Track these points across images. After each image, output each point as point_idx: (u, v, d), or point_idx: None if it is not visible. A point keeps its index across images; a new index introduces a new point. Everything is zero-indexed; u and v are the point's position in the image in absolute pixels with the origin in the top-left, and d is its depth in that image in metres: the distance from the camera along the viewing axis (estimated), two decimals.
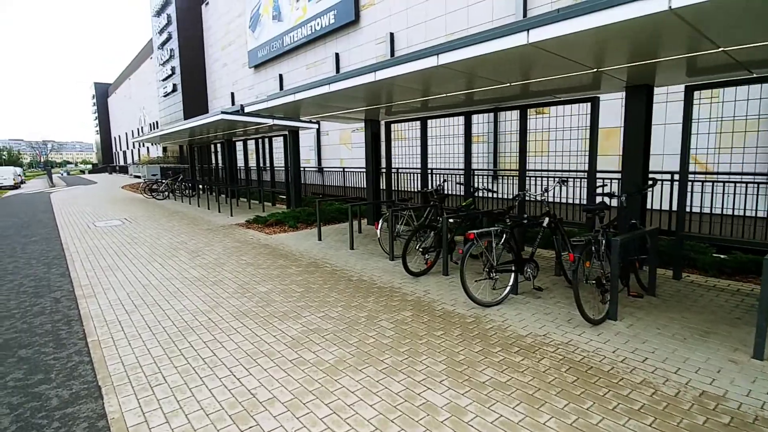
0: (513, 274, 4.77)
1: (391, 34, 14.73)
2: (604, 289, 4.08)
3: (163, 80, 35.30)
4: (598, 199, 5.28)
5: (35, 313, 4.93)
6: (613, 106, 8.45)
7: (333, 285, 5.54)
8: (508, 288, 4.74)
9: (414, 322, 4.26)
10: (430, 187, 8.64)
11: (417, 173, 10.69)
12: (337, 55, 17.33)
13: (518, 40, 3.86)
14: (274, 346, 3.81)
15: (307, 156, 19.19)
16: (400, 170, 10.68)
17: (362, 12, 15.97)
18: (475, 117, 8.71)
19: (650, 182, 4.95)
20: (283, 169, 15.22)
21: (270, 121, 10.66)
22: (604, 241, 4.13)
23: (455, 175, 9.21)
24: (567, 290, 5.05)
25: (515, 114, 10.67)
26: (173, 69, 33.13)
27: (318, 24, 18.00)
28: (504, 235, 4.65)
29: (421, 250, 5.72)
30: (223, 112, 10.01)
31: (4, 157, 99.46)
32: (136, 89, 51.86)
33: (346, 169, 14.71)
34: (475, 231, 4.47)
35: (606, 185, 6.21)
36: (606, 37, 3.68)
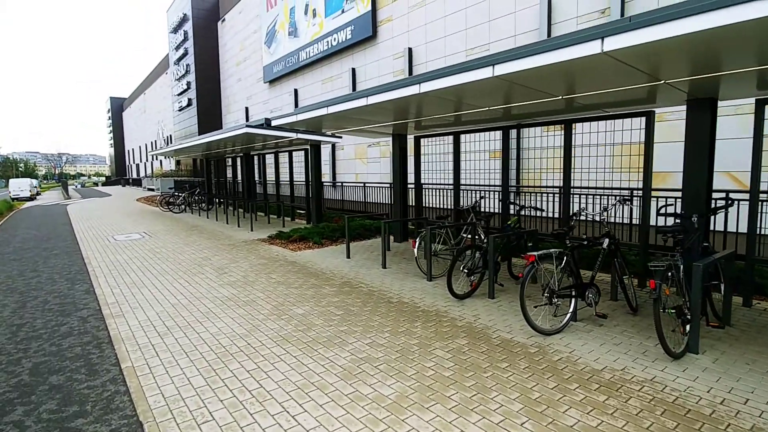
0: (573, 300, 4.42)
1: (410, 49, 14.64)
2: (685, 319, 3.72)
3: (179, 95, 35.62)
4: (669, 220, 4.94)
5: (63, 333, 4.65)
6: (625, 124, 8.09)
7: (373, 307, 5.22)
8: (568, 315, 4.39)
9: (472, 352, 3.92)
10: (464, 204, 8.34)
11: (446, 189, 10.42)
12: (353, 70, 17.29)
13: (591, 48, 3.59)
14: (325, 378, 3.49)
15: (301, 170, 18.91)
16: (429, 186, 10.39)
17: (380, 27, 15.94)
18: (496, 133, 8.47)
19: (728, 202, 4.60)
20: (302, 183, 15.06)
21: (294, 135, 10.48)
22: (681, 267, 3.78)
23: (489, 191, 8.92)
24: (631, 318, 4.68)
25: (537, 130, 10.48)
26: (188, 84, 33.44)
27: (334, 39, 18.03)
28: (564, 258, 4.32)
29: (466, 271, 5.39)
30: (248, 126, 9.85)
31: (20, 168, 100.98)
32: (151, 103, 52.50)
33: (366, 184, 14.47)
34: (535, 253, 4.15)
35: (671, 205, 5.85)
36: (686, 46, 3.38)
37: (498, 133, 9.30)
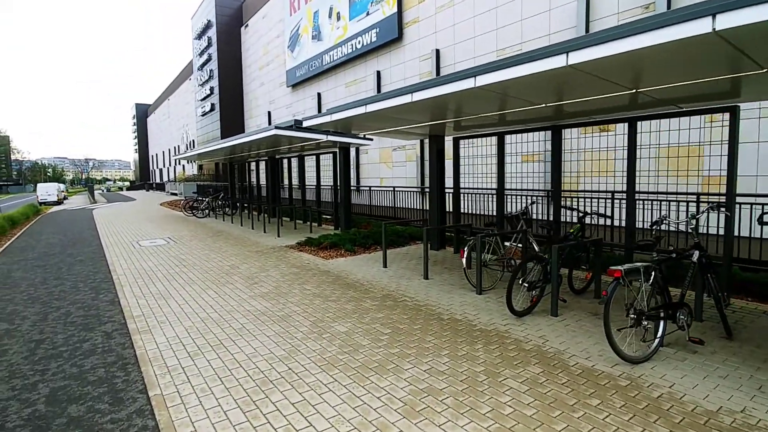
0: (662, 322, 3.81)
1: (437, 51, 14.14)
2: None
3: (202, 100, 35.82)
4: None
5: (85, 352, 4.24)
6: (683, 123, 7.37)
7: (424, 325, 4.68)
8: (657, 339, 3.77)
9: (551, 383, 3.35)
10: (511, 210, 7.75)
11: (482, 194, 9.85)
12: (378, 73, 16.87)
13: (701, 27, 3.00)
14: (385, 416, 2.96)
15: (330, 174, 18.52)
16: (467, 191, 9.82)
17: (406, 29, 15.50)
18: (529, 135, 7.88)
19: None
20: (328, 188, 14.65)
21: (323, 137, 10.05)
22: None
23: (523, 196, 8.30)
24: (728, 343, 4.02)
25: (574, 132, 9.79)
26: (212, 89, 33.57)
27: (359, 42, 17.66)
28: (653, 273, 3.71)
29: (526, 285, 4.81)
30: (277, 127, 9.45)
31: (49, 173, 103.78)
32: (174, 109, 53.17)
33: (396, 189, 13.97)
34: (621, 267, 3.55)
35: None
36: None
37: (533, 135, 8.75)
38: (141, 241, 11.31)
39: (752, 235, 5.78)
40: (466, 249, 5.86)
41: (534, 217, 6.78)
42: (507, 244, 6.53)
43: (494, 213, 9.53)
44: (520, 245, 6.54)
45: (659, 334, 3.78)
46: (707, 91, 4.80)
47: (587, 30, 10.41)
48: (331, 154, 13.05)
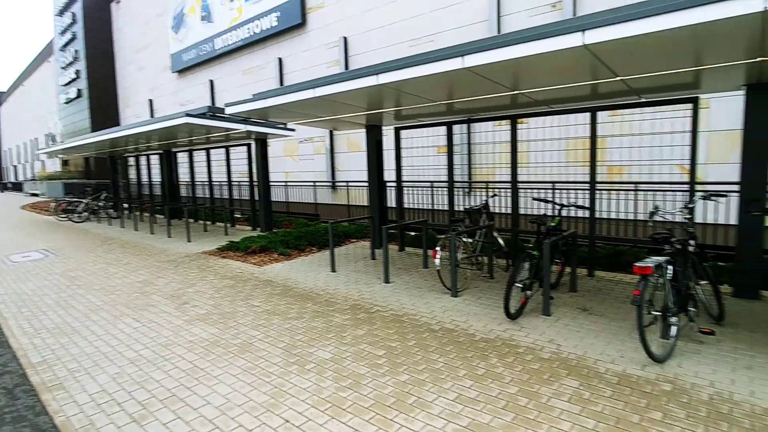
0: (677, 316, 3.69)
1: (345, 39, 13.52)
2: None
3: (65, 85, 30.63)
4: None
5: None
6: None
7: (418, 340, 4.08)
8: (674, 335, 3.64)
9: (598, 398, 2.98)
10: (468, 204, 7.45)
11: (428, 188, 9.49)
12: (280, 60, 15.71)
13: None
14: None
15: (240, 169, 16.82)
16: (408, 184, 9.36)
17: (310, 14, 14.59)
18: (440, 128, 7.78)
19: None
20: (239, 184, 13.22)
21: (241, 127, 8.83)
22: None
23: (497, 189, 8.11)
24: (729, 331, 4.07)
25: (487, 125, 9.93)
26: (78, 73, 28.83)
27: (257, 26, 16.27)
28: (672, 267, 3.56)
29: (521, 285, 4.46)
30: (188, 114, 8.02)
31: None
32: (31, 96, 44.99)
33: (317, 184, 13.08)
34: (651, 264, 3.32)
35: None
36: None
37: (440, 129, 8.60)
38: (11, 256, 8.93)
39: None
40: (438, 248, 5.37)
41: (495, 209, 6.56)
42: (469, 240, 6.20)
43: (436, 207, 9.33)
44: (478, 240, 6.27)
45: (676, 329, 3.65)
46: (671, 83, 4.89)
47: (498, 24, 10.58)
48: (245, 147, 11.71)
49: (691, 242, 4.00)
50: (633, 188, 6.60)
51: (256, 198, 11.20)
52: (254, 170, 11.25)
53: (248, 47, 17.02)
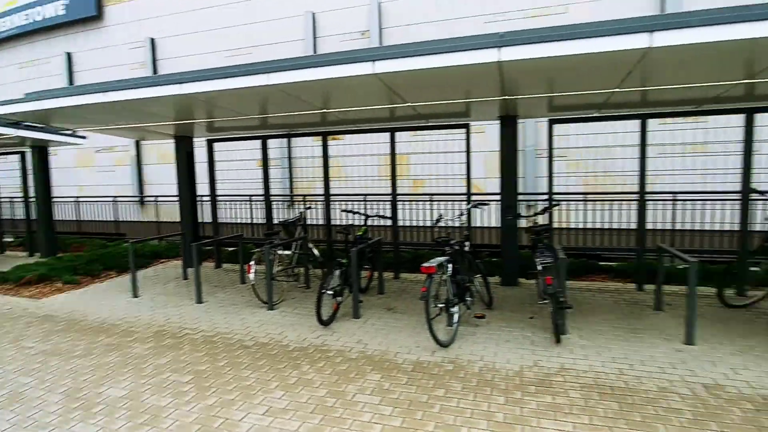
0: (458, 306, 4.37)
1: (153, 40, 12.48)
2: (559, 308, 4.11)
3: None
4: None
5: None
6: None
7: (230, 359, 3.94)
8: (456, 322, 4.31)
9: (397, 386, 3.35)
10: (282, 216, 7.46)
11: (246, 202, 9.21)
12: (69, 55, 13.59)
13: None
14: None
15: (12, 183, 13.81)
16: (222, 198, 8.93)
17: (107, 7, 13.00)
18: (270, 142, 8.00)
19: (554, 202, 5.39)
20: (14, 200, 10.76)
21: (13, 132, 7.26)
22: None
23: (309, 202, 8.26)
24: (496, 313, 4.96)
25: (307, 140, 10.41)
26: None
27: (39, 13, 13.75)
28: (451, 265, 4.23)
29: (332, 292, 4.69)
30: None
31: None
32: None
33: (119, 199, 11.49)
34: (432, 263, 3.90)
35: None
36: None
37: (258, 142, 8.79)
38: None
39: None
40: (252, 262, 5.29)
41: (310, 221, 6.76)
42: (286, 252, 6.27)
43: (256, 221, 9.12)
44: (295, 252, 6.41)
45: (457, 317, 4.33)
46: (452, 111, 5.83)
47: (315, 44, 11.12)
48: (19, 155, 9.63)
49: (467, 243, 4.82)
50: (428, 199, 7.58)
51: (34, 217, 9.28)
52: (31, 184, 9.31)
53: (27, 36, 14.15)
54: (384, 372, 3.62)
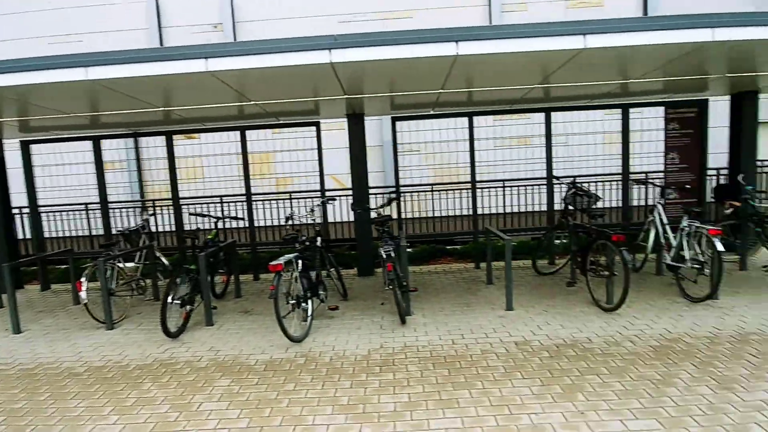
0: (311, 301, 4.47)
1: None
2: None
3: None
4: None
5: None
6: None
7: (55, 393, 3.49)
8: (310, 317, 4.41)
9: (246, 388, 3.33)
10: (127, 225, 6.76)
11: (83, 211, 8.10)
12: None
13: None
14: None
15: None
16: (51, 209, 7.75)
17: None
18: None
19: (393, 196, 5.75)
20: None
21: None
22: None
23: (150, 207, 7.55)
24: (350, 303, 5.17)
25: (159, 140, 9.77)
26: None
27: None
28: (300, 261, 4.30)
29: (179, 301, 4.41)
30: None
31: None
32: None
33: None
34: (282, 261, 3.94)
35: None
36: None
37: (109, 142, 8.04)
38: None
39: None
40: (83, 279, 4.73)
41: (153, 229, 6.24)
42: (130, 264, 5.73)
43: (95, 232, 8.09)
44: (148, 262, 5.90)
45: (310, 312, 4.43)
46: (299, 109, 5.90)
47: (160, 35, 10.32)
48: None
49: (318, 239, 4.95)
50: (288, 197, 7.56)
51: None
52: None
53: None
54: (234, 376, 3.56)
